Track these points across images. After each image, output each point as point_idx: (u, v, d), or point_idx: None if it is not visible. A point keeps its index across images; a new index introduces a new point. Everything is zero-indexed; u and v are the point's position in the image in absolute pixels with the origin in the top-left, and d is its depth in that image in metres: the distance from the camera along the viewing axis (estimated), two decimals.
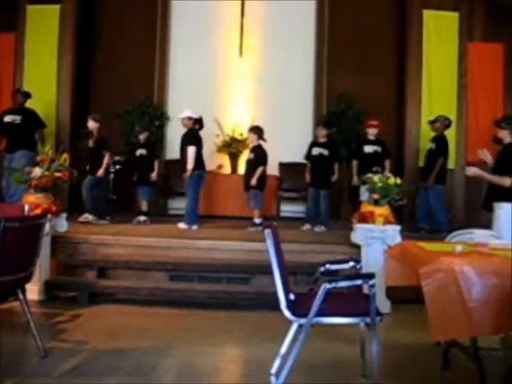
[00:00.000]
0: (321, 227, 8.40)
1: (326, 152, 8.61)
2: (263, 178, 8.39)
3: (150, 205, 9.25)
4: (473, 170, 5.84)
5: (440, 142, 8.58)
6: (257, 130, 8.48)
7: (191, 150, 8.13)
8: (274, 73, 10.84)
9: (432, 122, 8.82)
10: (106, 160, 8.50)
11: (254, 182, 8.22)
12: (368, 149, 8.70)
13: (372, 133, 8.73)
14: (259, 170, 8.26)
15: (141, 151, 9.03)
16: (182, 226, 8.13)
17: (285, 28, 10.83)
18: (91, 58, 10.97)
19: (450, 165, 9.71)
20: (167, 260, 6.61)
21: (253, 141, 8.50)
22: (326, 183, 8.60)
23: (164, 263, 6.55)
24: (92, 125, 8.65)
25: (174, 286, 6.35)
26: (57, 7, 10.06)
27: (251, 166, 8.38)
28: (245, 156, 10.25)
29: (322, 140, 8.71)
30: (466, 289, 3.20)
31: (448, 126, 8.75)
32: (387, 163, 8.47)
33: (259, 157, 8.35)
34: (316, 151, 8.67)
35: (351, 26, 10.70)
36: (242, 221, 8.68)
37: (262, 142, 8.44)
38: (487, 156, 6.04)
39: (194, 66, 10.86)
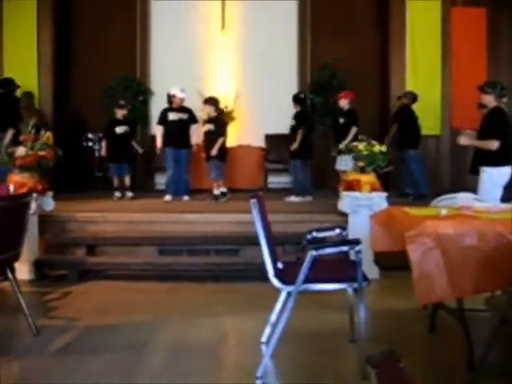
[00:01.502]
0: (307, 197, 8.42)
1: (293, 123, 8.58)
2: (224, 149, 8.47)
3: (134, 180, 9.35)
4: (463, 141, 5.88)
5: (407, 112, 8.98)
6: (213, 101, 8.52)
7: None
8: (256, 44, 10.75)
9: (400, 98, 9.22)
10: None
11: (214, 152, 8.28)
12: (340, 120, 8.79)
13: (342, 104, 8.77)
14: (220, 141, 8.32)
15: (124, 128, 8.93)
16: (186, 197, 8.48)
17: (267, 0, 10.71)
18: (72, 35, 10.80)
19: (436, 131, 9.78)
20: (155, 235, 6.63)
21: (210, 112, 8.51)
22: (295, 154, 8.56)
23: (152, 238, 6.58)
24: None
25: (163, 261, 6.38)
26: None
27: (211, 136, 8.40)
28: (231, 128, 10.28)
29: (295, 111, 8.71)
30: (450, 251, 3.24)
31: (414, 100, 9.02)
32: (353, 130, 8.40)
33: (219, 127, 8.42)
34: (290, 123, 8.69)
35: None
36: (230, 193, 8.71)
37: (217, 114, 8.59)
38: (469, 139, 5.98)
39: (177, 40, 10.75)
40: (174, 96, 8.53)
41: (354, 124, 8.54)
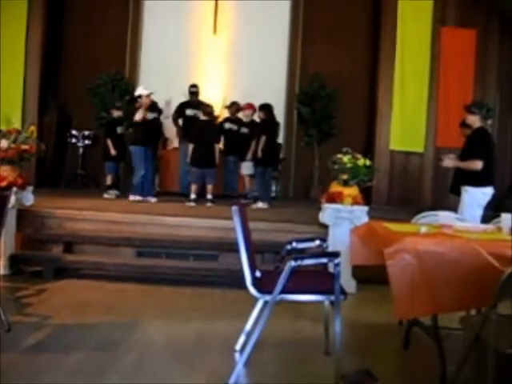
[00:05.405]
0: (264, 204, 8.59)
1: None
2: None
3: (118, 180, 9.35)
4: (447, 163, 5.93)
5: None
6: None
7: None
8: (247, 51, 10.78)
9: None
10: None
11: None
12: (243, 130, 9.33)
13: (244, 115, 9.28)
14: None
15: (121, 129, 9.13)
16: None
17: (259, 6, 10.73)
18: (62, 31, 10.75)
19: (419, 148, 9.82)
20: (134, 236, 6.58)
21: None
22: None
23: (131, 239, 6.52)
24: None
25: (141, 262, 6.34)
26: None
27: None
28: None
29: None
30: (429, 268, 3.25)
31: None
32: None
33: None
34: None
35: (326, 6, 10.67)
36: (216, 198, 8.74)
37: None
38: (452, 160, 6.03)
39: (167, 42, 10.74)
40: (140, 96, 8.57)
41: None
